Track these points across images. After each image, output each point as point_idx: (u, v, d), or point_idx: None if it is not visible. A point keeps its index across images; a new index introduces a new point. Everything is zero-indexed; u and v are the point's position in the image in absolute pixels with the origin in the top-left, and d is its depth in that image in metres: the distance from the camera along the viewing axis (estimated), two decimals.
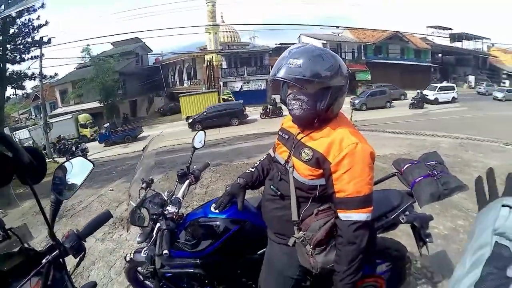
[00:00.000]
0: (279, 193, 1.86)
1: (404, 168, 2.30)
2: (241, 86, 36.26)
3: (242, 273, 2.29)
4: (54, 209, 1.37)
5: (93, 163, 1.61)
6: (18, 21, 17.66)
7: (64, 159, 21.60)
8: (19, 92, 20.16)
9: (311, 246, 1.73)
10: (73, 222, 6.00)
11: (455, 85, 33.67)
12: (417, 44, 43.37)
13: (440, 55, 47.16)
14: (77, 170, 1.49)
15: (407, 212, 2.22)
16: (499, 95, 34.78)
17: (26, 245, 1.46)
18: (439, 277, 3.09)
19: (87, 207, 7.21)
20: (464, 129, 12.06)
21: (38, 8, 18.01)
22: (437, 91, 31.18)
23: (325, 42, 37.88)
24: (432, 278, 3.10)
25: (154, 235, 2.04)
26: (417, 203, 2.16)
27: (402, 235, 3.37)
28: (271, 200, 1.94)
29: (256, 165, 2.34)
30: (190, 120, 28.41)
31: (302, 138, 1.80)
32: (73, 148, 20.94)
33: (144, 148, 2.65)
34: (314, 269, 1.76)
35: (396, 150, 9.12)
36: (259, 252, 2.20)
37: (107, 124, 29.76)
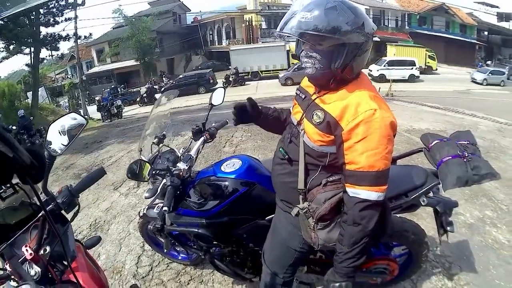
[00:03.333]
0: (287, 156, 1.75)
1: (432, 144, 2.11)
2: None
3: (248, 237, 2.23)
4: (48, 164, 1.39)
5: (86, 119, 1.62)
6: None
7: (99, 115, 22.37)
8: (54, 53, 20.69)
9: (314, 220, 1.61)
10: (102, 177, 6.09)
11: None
12: (463, 19, 40.70)
13: (486, 33, 43.90)
14: (70, 126, 1.49)
15: (430, 194, 2.05)
16: (478, 77, 28.54)
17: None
18: (457, 269, 2.89)
19: (116, 161, 7.36)
20: (504, 113, 11.41)
21: None
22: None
23: (368, 7, 36.16)
24: (449, 268, 2.89)
25: (159, 190, 2.02)
26: (441, 185, 1.98)
27: (426, 217, 3.23)
28: (279, 163, 1.83)
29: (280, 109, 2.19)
30: (162, 89, 28.60)
31: (316, 98, 1.65)
32: (109, 105, 21.25)
33: (155, 101, 2.59)
34: (315, 245, 1.67)
35: (432, 125, 8.72)
36: (268, 217, 2.13)
37: (108, 89, 30.09)
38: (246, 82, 28.93)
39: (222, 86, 2.74)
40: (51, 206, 1.43)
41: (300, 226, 1.74)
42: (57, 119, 1.49)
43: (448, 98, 18.33)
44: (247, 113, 2.04)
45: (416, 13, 39.39)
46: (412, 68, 27.29)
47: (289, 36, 1.52)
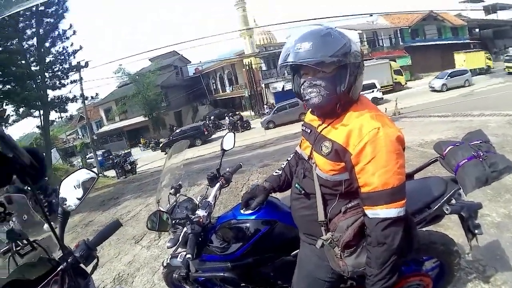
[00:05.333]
0: (303, 191, 1.75)
1: (446, 151, 2.08)
2: (283, 86, 35.52)
3: (275, 275, 2.18)
4: (63, 220, 1.42)
5: (97, 174, 1.65)
6: (53, 50, 19.22)
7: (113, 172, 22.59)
8: (63, 114, 21.42)
9: (340, 248, 1.58)
10: (121, 232, 6.11)
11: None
12: (453, 22, 41.70)
13: (477, 30, 45.03)
14: (82, 182, 1.52)
15: (452, 201, 2.01)
16: (437, 84, 27.85)
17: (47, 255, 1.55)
18: (492, 271, 2.79)
19: (134, 216, 7.37)
20: (510, 105, 11.31)
21: (71, 36, 19.54)
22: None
23: (361, 32, 37.48)
24: (484, 272, 2.80)
25: (180, 239, 2.03)
26: (462, 190, 1.95)
27: (453, 226, 3.15)
28: (297, 199, 1.83)
29: (283, 166, 2.23)
30: (161, 145, 31.08)
31: (322, 130, 1.66)
32: (122, 162, 21.51)
33: (167, 153, 2.63)
34: (344, 272, 1.63)
35: (443, 134, 8.63)
36: (293, 253, 2.08)
37: (102, 151, 31.47)
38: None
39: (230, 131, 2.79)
40: (69, 260, 1.42)
41: (325, 257, 1.71)
42: (68, 175, 1.52)
43: (453, 104, 18.35)
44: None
45: (407, 27, 40.40)
46: (372, 91, 26.52)
47: (292, 66, 1.59)
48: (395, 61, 35.16)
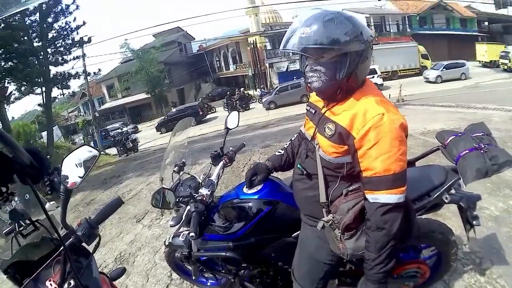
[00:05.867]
0: (305, 172, 1.77)
1: (448, 140, 2.10)
2: (287, 66, 35.51)
3: (276, 256, 2.21)
4: (65, 198, 1.41)
5: (98, 151, 1.63)
6: (56, 25, 18.90)
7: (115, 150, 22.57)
8: (66, 91, 21.44)
9: (340, 231, 1.61)
10: (122, 211, 6.15)
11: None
12: (462, 13, 40.72)
13: (486, 23, 43.75)
14: (83, 159, 1.50)
15: (452, 191, 2.04)
16: (431, 75, 28.10)
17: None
18: (488, 263, 2.82)
19: (136, 194, 7.41)
20: None
21: (74, 11, 19.21)
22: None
23: (368, 16, 36.58)
24: (480, 264, 2.83)
25: (183, 218, 2.03)
26: (462, 180, 1.96)
27: (451, 216, 3.18)
28: (299, 179, 1.85)
29: (286, 146, 2.25)
30: (156, 125, 30.97)
31: (326, 112, 1.67)
32: (123, 140, 21.53)
33: (172, 131, 2.63)
34: (344, 255, 1.66)
35: (446, 124, 8.61)
36: (294, 234, 2.11)
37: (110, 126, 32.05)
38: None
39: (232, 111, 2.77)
40: (71, 239, 1.45)
41: (326, 239, 1.73)
42: (70, 153, 1.51)
43: (458, 95, 18.25)
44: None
45: (415, 15, 39.57)
46: (373, 77, 26.30)
47: (293, 53, 1.56)
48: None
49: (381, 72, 29.82)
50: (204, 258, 2.43)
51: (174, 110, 32.00)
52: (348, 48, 1.45)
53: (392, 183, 1.43)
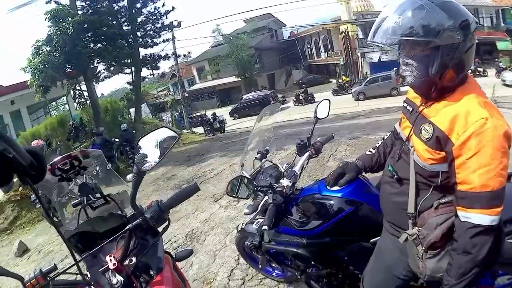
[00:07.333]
0: (396, 175, 1.60)
1: None
2: (379, 56, 34.19)
3: (349, 260, 2.07)
4: (136, 179, 1.41)
5: (178, 134, 1.59)
6: (144, 10, 19.85)
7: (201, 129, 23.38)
8: (155, 72, 22.48)
9: (423, 248, 1.43)
10: (202, 189, 6.29)
11: None
12: None
13: None
14: (161, 141, 1.48)
15: None
16: (509, 77, 21.86)
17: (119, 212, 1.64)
18: None
19: (217, 174, 7.61)
20: None
21: None
22: None
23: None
24: None
25: (260, 207, 2.00)
26: None
27: None
28: (388, 182, 1.70)
29: (377, 145, 2.06)
30: (229, 112, 32.00)
31: (423, 110, 1.49)
32: (211, 120, 22.32)
33: (258, 116, 2.57)
34: (421, 275, 1.49)
35: None
36: (373, 240, 1.95)
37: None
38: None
39: (327, 98, 2.60)
40: (138, 220, 1.43)
41: (406, 253, 1.57)
42: (147, 134, 1.50)
43: None
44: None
45: (510, 8, 35.15)
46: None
47: (383, 47, 1.44)
48: (494, 44, 31.87)
49: None
50: (274, 250, 2.36)
51: (246, 98, 32.66)
52: (439, 40, 1.29)
53: (488, 202, 1.25)
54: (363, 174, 2.07)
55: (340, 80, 32.20)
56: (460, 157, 1.29)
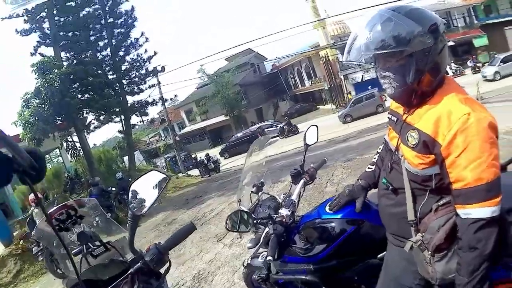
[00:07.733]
0: (391, 186, 1.62)
1: None
2: (362, 76, 34.75)
3: (359, 279, 2.03)
4: (132, 224, 1.40)
5: (168, 176, 1.60)
6: (128, 58, 20.42)
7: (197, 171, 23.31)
8: (144, 118, 22.93)
9: (430, 252, 1.42)
10: (203, 230, 6.28)
11: None
12: None
13: None
14: (152, 184, 1.48)
15: None
16: (489, 72, 23.13)
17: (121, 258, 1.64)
18: None
19: (217, 214, 7.59)
20: None
21: (144, 43, 20.59)
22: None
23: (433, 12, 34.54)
24: None
25: (261, 240, 1.98)
26: None
27: None
28: (384, 195, 1.71)
29: (375, 160, 2.07)
30: (219, 151, 32.19)
31: (407, 118, 1.53)
32: (205, 161, 22.39)
33: (248, 151, 2.60)
34: (433, 279, 1.47)
35: None
36: (380, 255, 1.93)
37: (183, 153, 32.51)
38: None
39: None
40: (139, 264, 1.43)
41: (414, 261, 1.56)
42: (138, 178, 1.50)
43: None
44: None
45: (479, 4, 36.31)
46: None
47: (359, 65, 1.45)
48: (471, 43, 32.93)
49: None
50: (283, 281, 2.32)
51: (234, 137, 33.02)
52: (411, 48, 1.33)
53: (485, 195, 1.26)
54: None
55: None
56: (450, 156, 1.31)
